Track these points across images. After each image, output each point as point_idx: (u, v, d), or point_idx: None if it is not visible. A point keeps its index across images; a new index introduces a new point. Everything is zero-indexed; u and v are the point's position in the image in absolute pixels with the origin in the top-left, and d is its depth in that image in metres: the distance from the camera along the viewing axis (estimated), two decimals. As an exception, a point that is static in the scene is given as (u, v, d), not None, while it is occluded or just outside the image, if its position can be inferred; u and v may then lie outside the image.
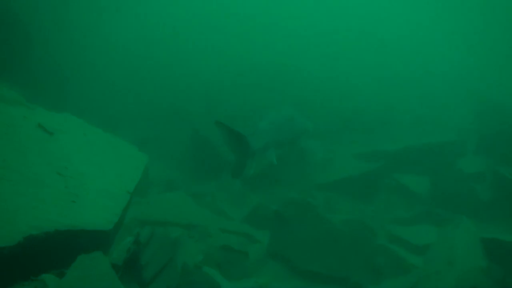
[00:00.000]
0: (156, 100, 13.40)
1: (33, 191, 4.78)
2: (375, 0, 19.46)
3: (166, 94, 13.61)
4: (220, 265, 6.02)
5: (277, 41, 16.64)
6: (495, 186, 8.18)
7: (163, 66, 15.05)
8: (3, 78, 9.15)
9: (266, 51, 15.56)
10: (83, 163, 6.01)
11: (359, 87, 16.18)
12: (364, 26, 19.40)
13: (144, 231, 5.73)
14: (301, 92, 14.06)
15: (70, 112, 8.23)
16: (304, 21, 19.08)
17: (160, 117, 12.81)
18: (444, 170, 9.09)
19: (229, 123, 7.02)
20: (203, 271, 5.70)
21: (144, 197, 7.74)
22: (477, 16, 18.58)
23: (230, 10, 18.27)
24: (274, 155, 7.53)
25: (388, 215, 8.29)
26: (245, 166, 7.27)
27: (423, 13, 19.95)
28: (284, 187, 9.98)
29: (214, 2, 18.57)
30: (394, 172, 9.09)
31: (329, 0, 19.31)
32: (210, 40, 16.81)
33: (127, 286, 4.74)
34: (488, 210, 7.93)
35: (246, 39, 16.35)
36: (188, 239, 6.63)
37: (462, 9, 18.73)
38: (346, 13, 19.51)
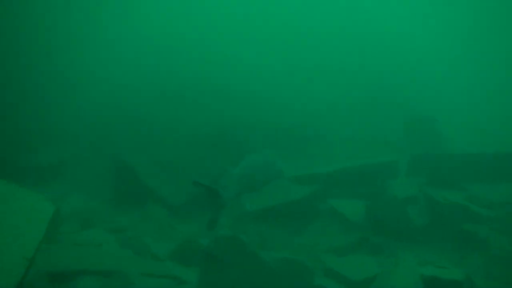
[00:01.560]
0: (81, 114, 12.25)
1: None
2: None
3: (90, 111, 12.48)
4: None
5: (206, 55, 16.06)
6: (427, 209, 8.06)
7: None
8: None
9: (195, 67, 14.90)
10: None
11: (288, 102, 15.96)
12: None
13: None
14: (230, 110, 13.57)
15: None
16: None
17: (81, 136, 11.77)
18: (378, 193, 8.89)
19: (205, 181, 6.94)
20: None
21: (54, 241, 6.87)
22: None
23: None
24: (248, 201, 7.20)
25: (324, 245, 7.92)
26: (219, 217, 7.19)
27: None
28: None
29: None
30: (329, 197, 8.78)
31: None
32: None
33: None
34: (423, 234, 7.79)
35: (173, 54, 15.63)
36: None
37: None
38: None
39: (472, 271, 6.77)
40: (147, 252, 7.61)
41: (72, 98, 12.03)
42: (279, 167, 8.68)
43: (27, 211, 6.26)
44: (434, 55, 17.26)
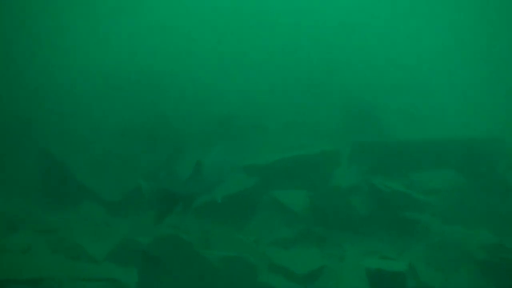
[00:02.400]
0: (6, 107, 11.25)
1: None
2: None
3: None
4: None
5: (139, 47, 15.37)
6: (370, 198, 8.04)
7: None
8: None
9: (127, 58, 14.20)
10: None
11: (228, 91, 15.65)
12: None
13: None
14: (165, 102, 13.10)
15: None
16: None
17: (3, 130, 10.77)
18: (321, 183, 8.80)
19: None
20: None
21: (-26, 249, 6.26)
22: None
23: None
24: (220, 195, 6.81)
25: (268, 237, 7.74)
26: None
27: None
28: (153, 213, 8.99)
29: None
30: (271, 188, 8.58)
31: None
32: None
33: None
34: (366, 224, 7.77)
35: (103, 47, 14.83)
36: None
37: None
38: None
39: (414, 259, 6.81)
40: (82, 254, 7.15)
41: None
42: (232, 163, 8.36)
43: None
44: (374, 38, 17.37)
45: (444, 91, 14.61)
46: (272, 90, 17.00)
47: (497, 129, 10.44)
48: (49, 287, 5.75)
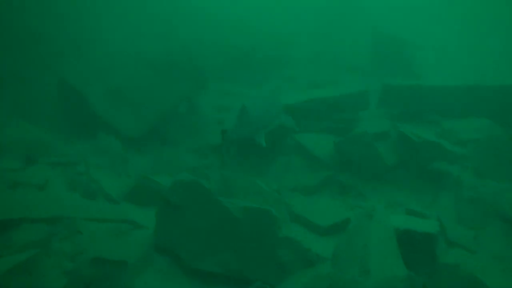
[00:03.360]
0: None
1: None
2: None
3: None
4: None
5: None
6: (399, 146, 7.63)
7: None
8: None
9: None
10: None
11: (254, 24, 14.91)
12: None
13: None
14: (194, 30, 12.52)
15: None
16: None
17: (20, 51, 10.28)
18: (347, 128, 8.40)
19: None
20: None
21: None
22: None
23: None
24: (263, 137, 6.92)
25: (290, 183, 7.48)
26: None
27: None
28: (175, 148, 8.78)
29: None
30: (296, 132, 8.20)
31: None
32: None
33: None
34: (393, 173, 7.43)
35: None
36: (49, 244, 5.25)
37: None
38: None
39: (442, 214, 6.52)
40: (99, 192, 6.99)
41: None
42: (280, 104, 7.99)
43: None
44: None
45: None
46: (298, 20, 16.25)
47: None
48: (66, 227, 5.61)
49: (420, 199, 6.96)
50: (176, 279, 5.42)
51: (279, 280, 5.26)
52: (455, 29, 14.30)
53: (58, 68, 9.17)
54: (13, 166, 7.04)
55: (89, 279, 4.73)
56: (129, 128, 8.58)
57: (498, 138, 7.23)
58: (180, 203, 5.65)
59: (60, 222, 5.69)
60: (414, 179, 7.31)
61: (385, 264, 4.47)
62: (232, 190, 6.27)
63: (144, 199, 6.79)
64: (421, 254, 5.29)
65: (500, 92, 8.15)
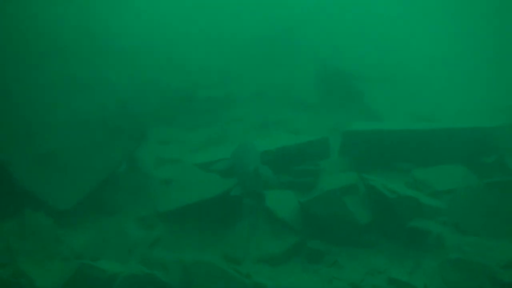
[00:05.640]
0: None
1: None
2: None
3: None
4: None
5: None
6: (369, 202, 6.94)
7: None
8: None
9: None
10: None
11: (191, 60, 14.08)
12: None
13: None
14: (127, 73, 11.44)
15: None
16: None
17: None
18: (310, 182, 7.64)
19: None
20: None
21: None
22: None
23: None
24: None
25: (254, 251, 6.60)
26: None
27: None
28: (116, 217, 7.63)
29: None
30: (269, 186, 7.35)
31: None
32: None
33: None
34: (368, 235, 6.69)
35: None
36: None
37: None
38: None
39: (428, 281, 5.84)
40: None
41: None
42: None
43: None
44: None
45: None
46: (237, 57, 15.55)
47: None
48: None
49: (402, 264, 6.25)
50: None
51: None
52: (416, 58, 14.00)
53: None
54: None
55: None
56: (60, 199, 7.35)
57: (475, 188, 6.71)
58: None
59: None
60: (392, 240, 6.61)
61: None
62: (195, 281, 5.27)
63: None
64: None
65: (473, 135, 7.67)
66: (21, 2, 11.64)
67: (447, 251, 6.20)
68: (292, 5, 15.56)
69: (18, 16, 11.50)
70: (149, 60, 13.12)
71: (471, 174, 7.32)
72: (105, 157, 7.89)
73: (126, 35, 14.00)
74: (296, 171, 7.88)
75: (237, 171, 7.05)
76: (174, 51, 14.05)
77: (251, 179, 6.63)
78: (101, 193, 7.88)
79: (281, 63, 14.65)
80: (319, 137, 8.41)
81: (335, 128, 10.52)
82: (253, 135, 10.74)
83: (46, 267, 6.32)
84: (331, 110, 11.63)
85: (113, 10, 13.75)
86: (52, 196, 7.32)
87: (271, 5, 15.85)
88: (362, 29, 14.99)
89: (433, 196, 6.98)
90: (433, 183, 7.19)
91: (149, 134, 9.49)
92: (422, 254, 6.31)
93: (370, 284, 5.83)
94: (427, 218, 6.63)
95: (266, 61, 14.79)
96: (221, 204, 7.21)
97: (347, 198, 6.98)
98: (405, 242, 6.52)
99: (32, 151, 7.59)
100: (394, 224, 6.64)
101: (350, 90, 11.70)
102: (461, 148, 7.60)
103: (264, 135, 10.71)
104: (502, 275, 5.73)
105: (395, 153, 7.87)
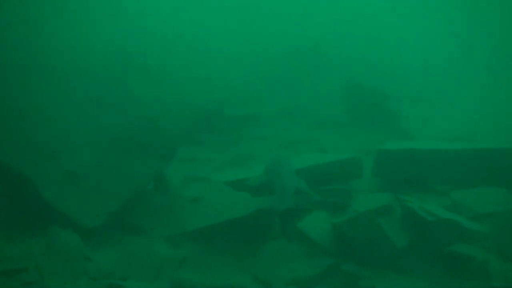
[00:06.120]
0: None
1: None
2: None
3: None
4: None
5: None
6: (405, 225, 6.65)
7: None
8: None
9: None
10: None
11: (217, 79, 14.01)
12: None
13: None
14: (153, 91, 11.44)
15: None
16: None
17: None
18: (343, 203, 7.39)
19: None
20: None
21: None
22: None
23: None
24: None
25: (284, 274, 6.35)
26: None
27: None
28: (143, 237, 7.47)
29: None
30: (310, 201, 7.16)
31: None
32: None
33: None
34: (405, 259, 6.38)
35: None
36: None
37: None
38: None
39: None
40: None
41: None
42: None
43: None
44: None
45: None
46: (263, 74, 15.45)
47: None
48: None
49: (443, 291, 5.93)
50: None
51: None
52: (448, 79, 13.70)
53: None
54: None
55: None
56: (88, 217, 7.23)
57: (518, 211, 6.38)
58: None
59: None
60: (430, 265, 6.29)
61: None
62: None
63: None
64: None
65: (507, 155, 7.36)
66: (45, 21, 11.82)
67: (491, 279, 5.84)
68: (323, 20, 15.48)
69: (43, 36, 11.66)
70: (174, 78, 13.15)
71: (512, 196, 6.99)
72: (133, 175, 7.78)
73: (152, 53, 14.09)
74: (327, 191, 7.63)
75: (273, 187, 6.82)
76: (200, 68, 14.04)
77: (289, 195, 6.40)
78: (129, 211, 7.76)
79: (308, 80, 14.51)
80: (351, 155, 8.16)
81: (364, 148, 10.29)
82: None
83: (74, 286, 6.17)
84: (359, 129, 11.40)
85: (140, 28, 13.87)
86: (80, 214, 7.21)
87: (300, 20, 15.81)
88: (394, 48, 14.78)
89: (474, 220, 6.65)
90: (473, 206, 6.87)
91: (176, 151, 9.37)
92: (464, 281, 5.97)
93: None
94: (468, 242, 6.29)
95: (293, 78, 14.66)
96: (251, 223, 7.02)
97: (383, 220, 6.69)
98: (445, 268, 6.19)
99: (60, 169, 7.52)
100: (432, 248, 6.34)
101: (381, 109, 11.46)
102: (501, 169, 7.27)
103: (291, 154, 10.49)
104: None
105: (431, 174, 7.58)
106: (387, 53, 14.52)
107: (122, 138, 7.98)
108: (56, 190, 7.26)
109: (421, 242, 6.46)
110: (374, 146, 9.14)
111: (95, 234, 7.14)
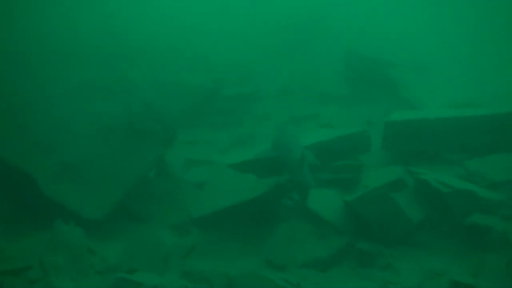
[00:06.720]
0: None
1: None
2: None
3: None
4: None
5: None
6: (420, 198, 6.40)
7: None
8: None
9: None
10: None
11: (213, 56, 13.63)
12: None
13: None
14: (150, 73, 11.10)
15: None
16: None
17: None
18: (352, 178, 7.12)
19: None
20: None
21: None
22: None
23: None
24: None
25: (298, 256, 6.12)
26: None
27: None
28: (148, 225, 7.23)
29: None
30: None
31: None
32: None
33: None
34: (422, 234, 6.16)
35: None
36: None
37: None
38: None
39: (497, 282, 5.28)
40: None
41: None
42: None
43: None
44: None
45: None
46: (261, 50, 15.06)
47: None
48: None
49: (462, 265, 5.70)
50: None
51: None
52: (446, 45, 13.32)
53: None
54: None
55: None
56: (91, 209, 6.97)
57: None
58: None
59: None
60: (448, 238, 6.07)
61: None
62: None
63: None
64: None
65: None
66: (36, 7, 11.40)
67: (513, 249, 5.60)
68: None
69: (34, 23, 11.24)
70: (171, 59, 12.78)
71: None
72: (134, 162, 7.49)
73: (148, 35, 13.69)
74: (335, 167, 7.36)
75: (283, 163, 6.57)
76: (196, 48, 13.67)
77: (305, 168, 6.16)
78: (132, 200, 7.49)
79: (308, 55, 14.14)
80: (358, 129, 7.88)
81: (369, 120, 10.00)
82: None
83: (80, 282, 5.95)
84: (362, 101, 11.07)
85: (134, 10, 13.46)
86: (82, 206, 6.95)
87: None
88: (391, 18, 14.39)
89: (490, 189, 6.39)
90: (490, 174, 6.60)
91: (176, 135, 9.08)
92: (486, 254, 5.73)
93: (430, 288, 5.29)
94: (486, 213, 6.04)
95: (291, 53, 14.30)
96: (259, 206, 6.77)
97: (396, 195, 6.45)
98: (464, 240, 5.97)
99: (57, 161, 7.21)
100: (450, 221, 6.11)
101: (382, 79, 11.10)
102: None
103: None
104: None
105: (442, 143, 7.29)
106: (385, 24, 14.12)
107: (119, 124, 7.66)
108: (55, 183, 6.98)
109: (437, 216, 6.23)
110: (379, 117, 8.83)
111: (99, 226, 6.89)
